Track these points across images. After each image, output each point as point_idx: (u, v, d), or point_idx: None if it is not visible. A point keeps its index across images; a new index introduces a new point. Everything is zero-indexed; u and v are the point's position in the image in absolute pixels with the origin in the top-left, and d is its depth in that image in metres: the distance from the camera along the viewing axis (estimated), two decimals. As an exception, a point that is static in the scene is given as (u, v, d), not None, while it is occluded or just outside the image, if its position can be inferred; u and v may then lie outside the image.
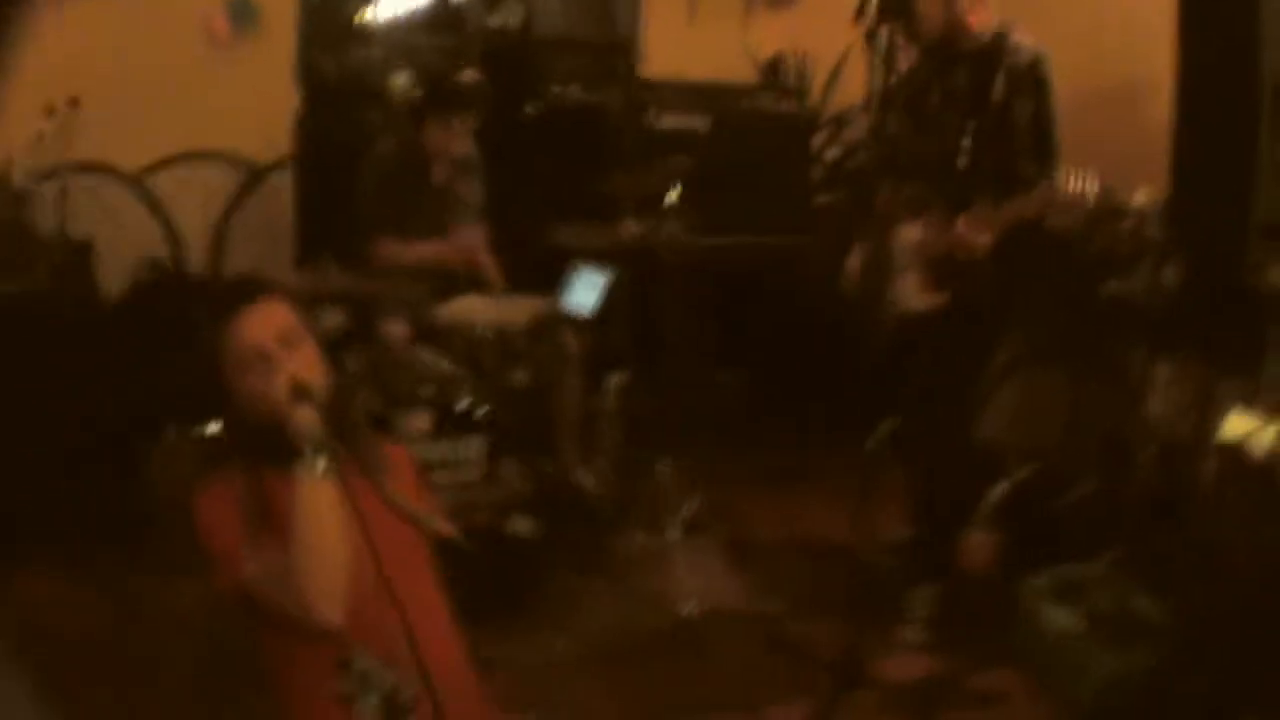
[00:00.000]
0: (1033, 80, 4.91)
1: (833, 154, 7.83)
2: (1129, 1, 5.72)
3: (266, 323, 3.00)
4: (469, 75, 6.00)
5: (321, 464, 2.78)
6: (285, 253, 7.17)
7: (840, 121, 7.86)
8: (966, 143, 4.94)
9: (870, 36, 4.66)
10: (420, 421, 4.93)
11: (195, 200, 7.25)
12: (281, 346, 2.96)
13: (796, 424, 6.84)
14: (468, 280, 5.86)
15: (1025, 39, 4.96)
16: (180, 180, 7.21)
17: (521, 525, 5.04)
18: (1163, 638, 4.71)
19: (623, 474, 5.93)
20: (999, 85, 4.89)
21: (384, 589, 2.82)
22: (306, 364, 2.96)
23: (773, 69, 7.84)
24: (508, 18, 7.67)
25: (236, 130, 7.23)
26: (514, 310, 5.65)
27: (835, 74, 7.77)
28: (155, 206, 7.13)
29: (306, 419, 2.81)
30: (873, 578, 4.89)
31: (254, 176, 7.37)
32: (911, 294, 5.07)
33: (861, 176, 5.71)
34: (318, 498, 2.77)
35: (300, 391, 2.85)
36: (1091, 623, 4.81)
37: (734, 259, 6.85)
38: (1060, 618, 4.84)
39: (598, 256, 6.16)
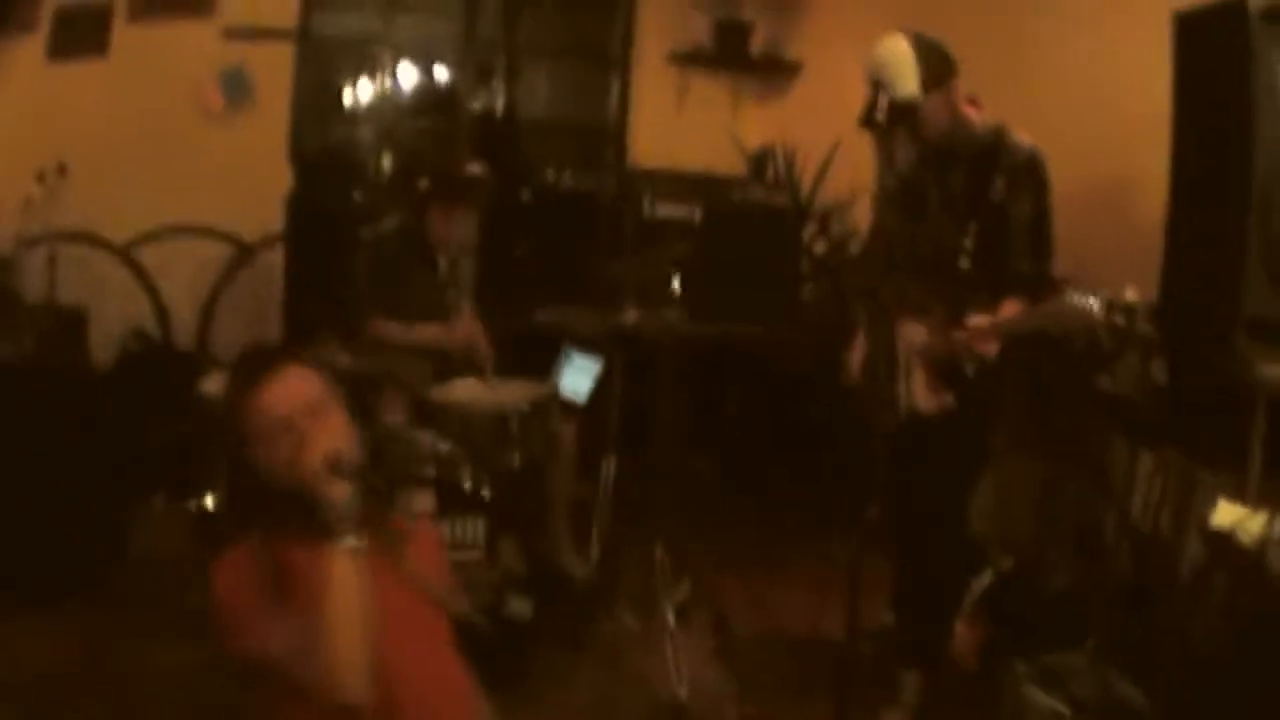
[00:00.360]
0: (1030, 179, 4.93)
1: (821, 248, 7.89)
2: (1123, 99, 5.77)
3: (295, 392, 2.92)
4: (475, 167, 6.06)
5: (353, 540, 2.74)
6: (273, 330, 7.18)
7: (828, 215, 7.90)
8: (967, 243, 4.97)
9: (877, 138, 4.66)
10: (424, 501, 4.92)
11: (183, 273, 7.27)
12: (309, 417, 2.87)
13: (774, 513, 6.85)
14: (462, 363, 5.86)
15: (1022, 138, 5.00)
16: (169, 253, 7.22)
17: (518, 605, 5.03)
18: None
19: (615, 557, 5.92)
20: (998, 185, 4.92)
21: (401, 663, 2.79)
22: (335, 434, 2.87)
23: (761, 161, 7.89)
24: (492, 100, 7.71)
25: (227, 205, 7.25)
26: (509, 393, 5.66)
27: (825, 167, 7.81)
28: (143, 278, 7.13)
29: (341, 494, 2.74)
30: (857, 664, 4.87)
31: (244, 253, 7.38)
32: (920, 395, 5.09)
33: (858, 269, 5.72)
34: (347, 573, 2.72)
35: (336, 466, 2.76)
36: (1076, 709, 4.83)
37: (725, 348, 6.88)
38: (1045, 702, 4.84)
39: (592, 342, 6.19)
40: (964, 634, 5.54)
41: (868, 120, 4.80)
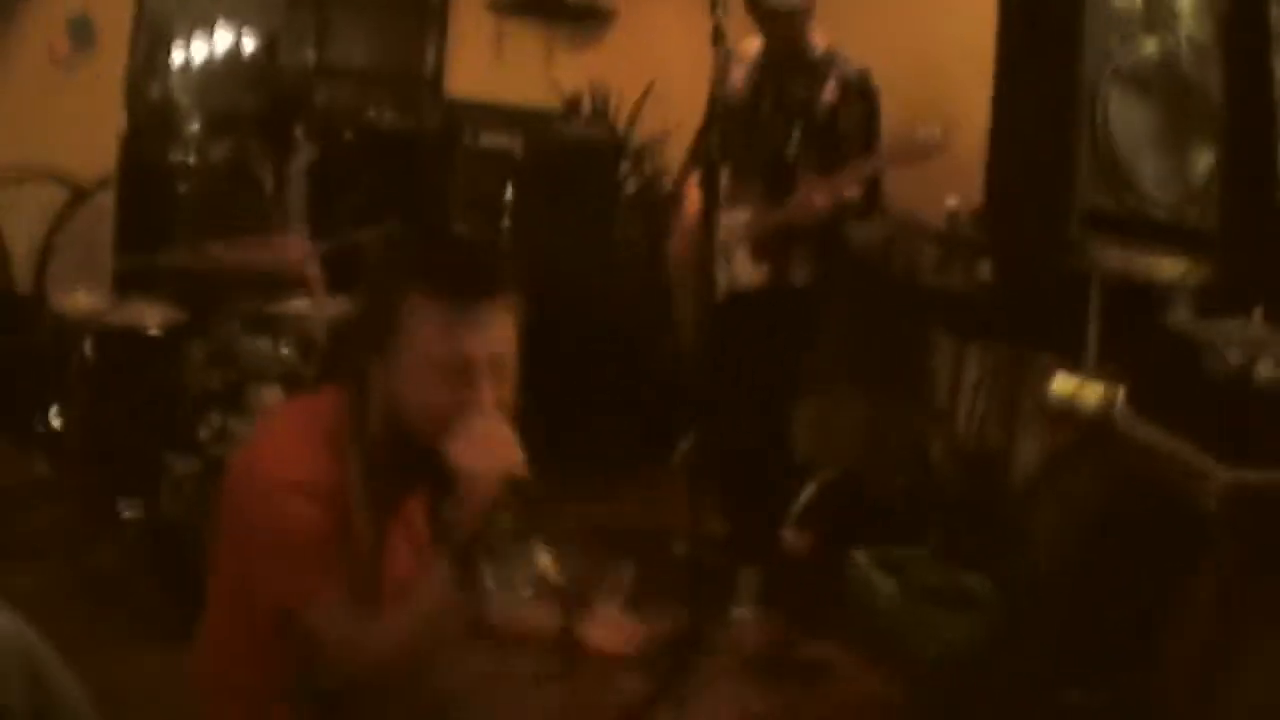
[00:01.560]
0: (859, 90, 5.26)
1: (633, 185, 8.04)
2: (942, 26, 6.02)
3: (496, 340, 2.43)
4: (303, 88, 6.16)
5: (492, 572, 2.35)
6: (105, 272, 7.12)
7: (641, 153, 8.09)
8: (796, 135, 5.26)
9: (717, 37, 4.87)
10: (273, 397, 4.99)
11: (25, 217, 7.25)
12: (493, 372, 2.41)
13: (596, 441, 7.00)
14: (293, 284, 5.94)
15: (852, 57, 5.32)
16: (10, 197, 7.19)
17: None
18: (990, 608, 4.98)
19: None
20: (828, 89, 5.23)
21: None
22: (505, 400, 2.43)
23: (576, 102, 8.05)
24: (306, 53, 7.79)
25: (66, 149, 7.21)
26: (342, 305, 5.76)
27: (639, 104, 8.01)
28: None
29: (505, 521, 2.31)
30: (693, 566, 5.03)
31: (78, 196, 7.35)
32: (741, 269, 5.30)
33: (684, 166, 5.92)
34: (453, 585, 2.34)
35: (515, 488, 2.33)
36: (921, 592, 5.04)
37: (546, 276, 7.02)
38: (889, 586, 5.03)
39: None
40: (793, 539, 5.77)
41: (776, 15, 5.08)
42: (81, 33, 7.20)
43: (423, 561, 2.51)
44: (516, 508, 2.32)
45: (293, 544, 2.36)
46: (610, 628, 2.92)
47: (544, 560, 2.46)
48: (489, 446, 2.34)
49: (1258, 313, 3.88)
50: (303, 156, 6.06)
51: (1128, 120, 4.43)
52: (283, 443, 2.47)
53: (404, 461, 2.46)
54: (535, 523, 2.36)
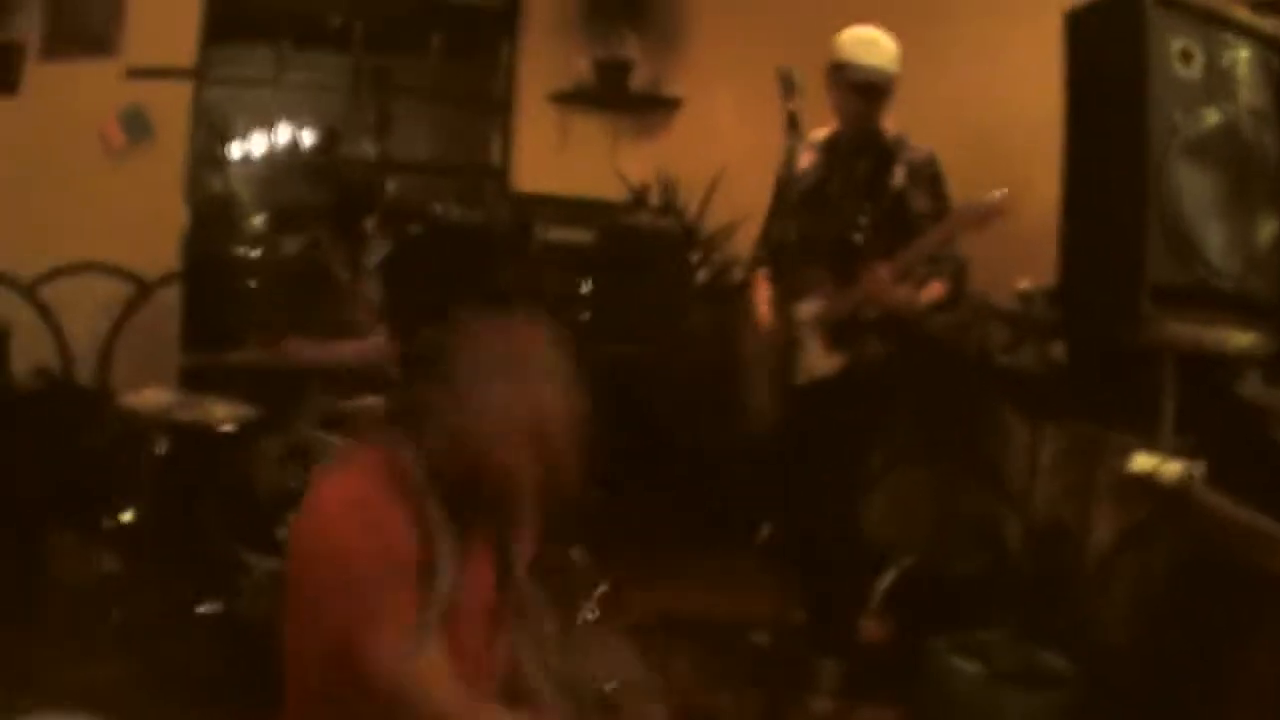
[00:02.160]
0: (929, 173, 5.26)
1: (704, 275, 8.08)
2: (1012, 104, 6.03)
3: (545, 334, 2.54)
4: (374, 180, 6.23)
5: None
6: (172, 368, 7.21)
7: (711, 242, 8.11)
8: (864, 221, 5.26)
9: (792, 123, 4.91)
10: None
11: (84, 311, 7.33)
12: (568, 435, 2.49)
13: (671, 527, 7.00)
14: (372, 381, 5.98)
15: (921, 143, 5.34)
16: (71, 290, 7.28)
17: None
18: (1070, 683, 4.94)
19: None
20: (897, 174, 5.24)
21: None
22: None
23: (643, 191, 8.08)
24: (368, 147, 7.88)
25: (126, 243, 7.34)
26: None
27: (709, 193, 8.04)
28: (46, 316, 7.21)
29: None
30: (773, 655, 5.03)
31: (142, 290, 7.45)
32: (815, 361, 5.30)
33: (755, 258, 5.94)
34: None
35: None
36: (998, 674, 5.00)
37: (620, 366, 7.03)
38: (968, 668, 4.98)
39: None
40: (872, 629, 5.73)
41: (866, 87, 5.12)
42: (136, 124, 7.32)
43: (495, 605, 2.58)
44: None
45: (360, 574, 2.34)
46: None
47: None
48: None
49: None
50: (376, 250, 6.11)
51: (1193, 192, 4.42)
52: (349, 497, 2.43)
53: (471, 499, 2.48)
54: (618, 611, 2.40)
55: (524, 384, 2.43)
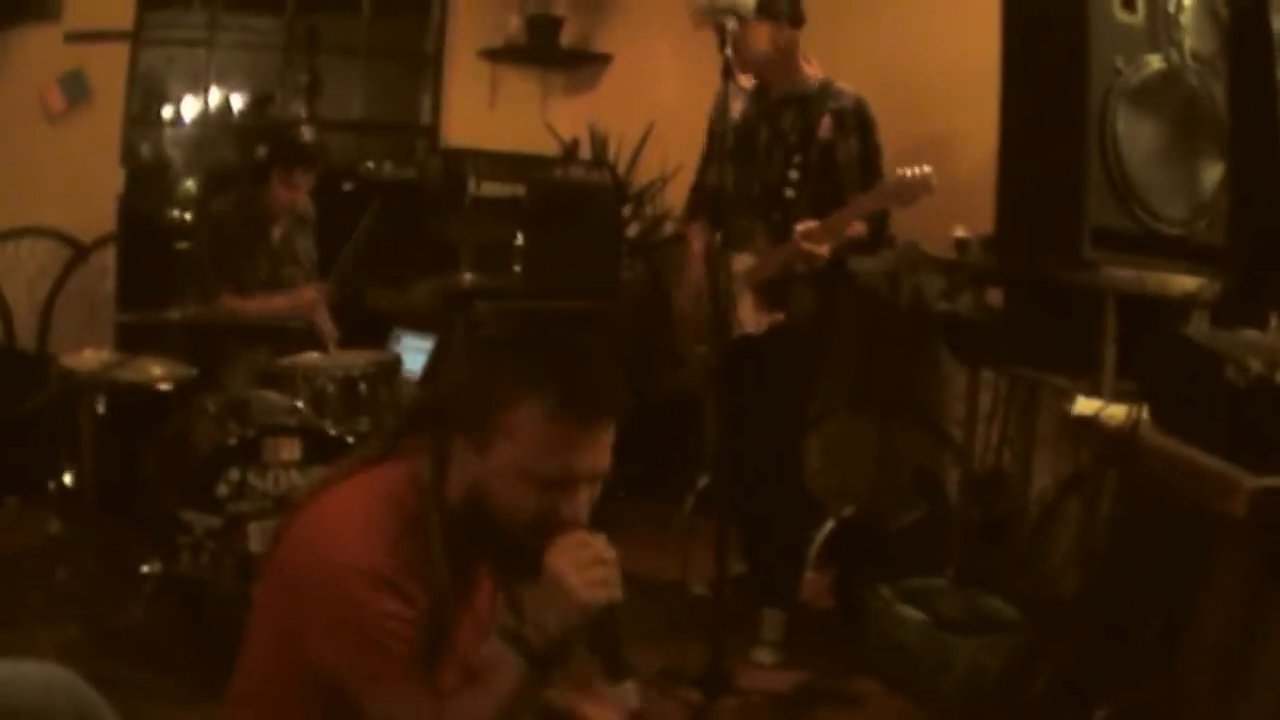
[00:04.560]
0: (856, 120, 5.23)
1: (634, 229, 8.12)
2: (945, 56, 6.03)
3: (602, 459, 2.39)
4: (309, 132, 6.18)
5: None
6: (106, 329, 7.15)
7: (641, 196, 8.14)
8: (793, 175, 5.24)
9: (727, 71, 4.88)
10: (290, 449, 4.95)
11: (24, 275, 7.30)
12: (590, 485, 2.40)
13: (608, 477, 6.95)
14: (305, 337, 5.95)
15: (848, 87, 5.31)
16: (10, 255, 7.25)
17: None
18: (1017, 628, 4.97)
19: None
20: (825, 124, 5.21)
21: None
22: (585, 512, 2.39)
23: (574, 146, 8.06)
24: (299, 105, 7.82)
25: (64, 206, 7.31)
26: (353, 358, 5.77)
27: (640, 147, 8.05)
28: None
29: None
30: (713, 607, 5.02)
31: (80, 254, 7.42)
32: (747, 317, 5.29)
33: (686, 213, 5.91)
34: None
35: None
36: (943, 621, 5.04)
37: (553, 319, 6.99)
38: (913, 616, 5.04)
39: (422, 322, 6.37)
40: (814, 579, 5.76)
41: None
42: (75, 87, 7.25)
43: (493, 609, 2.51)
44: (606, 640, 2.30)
45: (368, 635, 2.26)
46: None
47: (632, 701, 2.45)
48: (597, 574, 2.31)
49: (1275, 321, 3.91)
50: (307, 208, 6.08)
51: (1136, 138, 4.43)
52: (357, 526, 2.33)
53: (478, 541, 2.41)
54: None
55: (558, 500, 2.35)
